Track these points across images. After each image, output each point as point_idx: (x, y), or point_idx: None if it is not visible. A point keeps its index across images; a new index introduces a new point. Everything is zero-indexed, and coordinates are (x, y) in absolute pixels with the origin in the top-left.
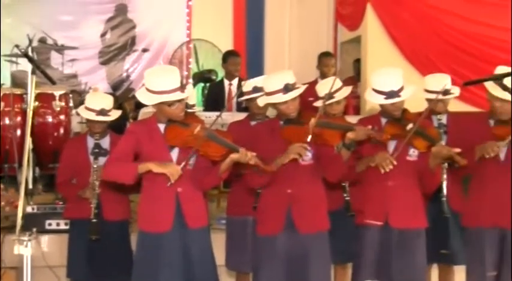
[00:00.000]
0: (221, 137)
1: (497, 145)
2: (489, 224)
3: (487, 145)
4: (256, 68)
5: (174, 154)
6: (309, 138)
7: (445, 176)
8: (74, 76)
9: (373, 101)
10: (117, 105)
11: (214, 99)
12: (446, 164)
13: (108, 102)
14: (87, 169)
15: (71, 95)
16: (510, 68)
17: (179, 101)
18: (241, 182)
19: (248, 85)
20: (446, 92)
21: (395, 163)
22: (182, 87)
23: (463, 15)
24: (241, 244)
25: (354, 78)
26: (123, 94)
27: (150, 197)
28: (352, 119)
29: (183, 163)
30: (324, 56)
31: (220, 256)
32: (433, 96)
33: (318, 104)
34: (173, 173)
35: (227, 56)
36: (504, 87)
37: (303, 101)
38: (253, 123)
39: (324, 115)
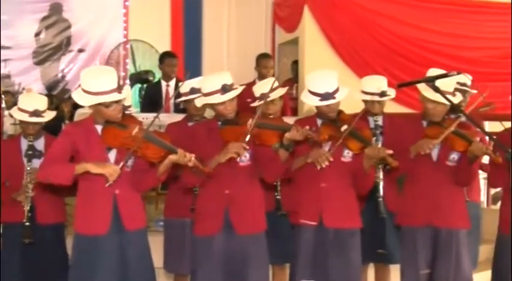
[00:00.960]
0: (159, 139)
1: (432, 142)
2: (422, 223)
3: (421, 142)
4: (194, 69)
5: (112, 155)
6: (247, 138)
7: (381, 176)
8: (7, 77)
9: (308, 103)
10: (55, 106)
11: (151, 101)
12: (382, 165)
13: (42, 103)
14: (21, 171)
15: (3, 96)
16: (441, 70)
17: (116, 102)
18: (178, 184)
19: (185, 86)
20: (382, 94)
21: (331, 159)
22: (119, 88)
23: (399, 18)
24: (179, 246)
25: (292, 80)
26: (58, 95)
27: (86, 199)
28: (289, 120)
29: (122, 163)
30: (262, 58)
31: (158, 258)
32: (369, 97)
33: (256, 104)
34: (112, 174)
35: (164, 57)
36: (436, 90)
37: (241, 102)
38: (190, 124)
39: (260, 116)
